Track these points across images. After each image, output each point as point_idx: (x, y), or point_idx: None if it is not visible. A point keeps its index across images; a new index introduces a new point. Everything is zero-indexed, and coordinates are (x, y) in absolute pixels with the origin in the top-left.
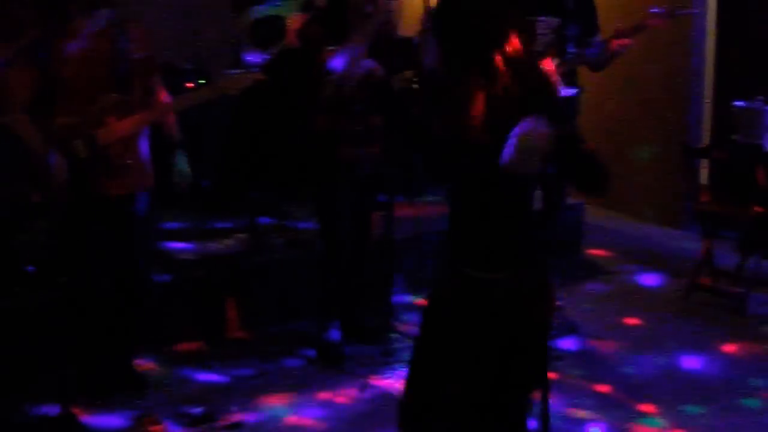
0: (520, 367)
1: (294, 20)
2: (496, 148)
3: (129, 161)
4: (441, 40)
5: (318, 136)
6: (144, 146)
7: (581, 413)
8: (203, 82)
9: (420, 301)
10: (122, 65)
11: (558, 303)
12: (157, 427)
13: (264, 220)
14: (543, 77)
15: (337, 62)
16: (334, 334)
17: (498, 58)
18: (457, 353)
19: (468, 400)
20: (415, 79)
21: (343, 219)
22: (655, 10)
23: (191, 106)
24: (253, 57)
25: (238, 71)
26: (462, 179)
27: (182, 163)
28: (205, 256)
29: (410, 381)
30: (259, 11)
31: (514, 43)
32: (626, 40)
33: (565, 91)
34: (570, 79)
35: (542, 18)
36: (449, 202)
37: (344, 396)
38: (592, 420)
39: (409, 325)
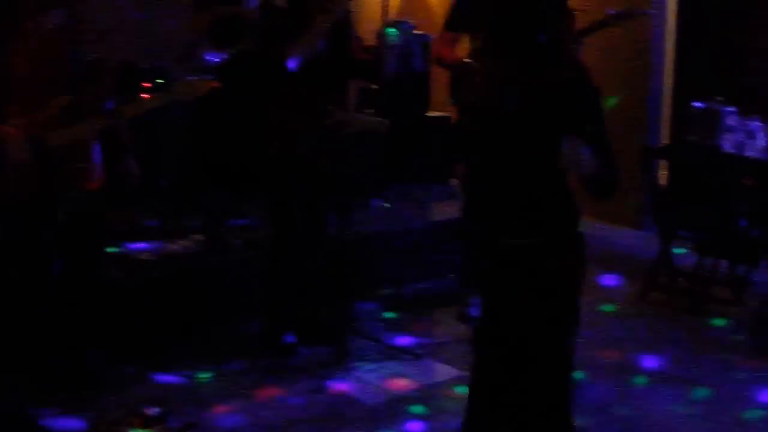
0: (560, 326)
1: (251, 19)
2: (533, 124)
3: (80, 163)
4: (491, 22)
5: (275, 135)
6: (95, 148)
7: None
8: (161, 81)
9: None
10: (75, 67)
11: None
12: (115, 428)
13: (223, 220)
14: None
15: (293, 61)
16: (289, 338)
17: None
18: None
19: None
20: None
21: (296, 219)
22: (612, 12)
23: (144, 111)
24: (212, 57)
25: (193, 77)
26: (498, 152)
27: (131, 165)
28: (164, 257)
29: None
30: None
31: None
32: None
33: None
34: None
35: None
36: (478, 177)
37: (300, 396)
38: None
39: (365, 325)
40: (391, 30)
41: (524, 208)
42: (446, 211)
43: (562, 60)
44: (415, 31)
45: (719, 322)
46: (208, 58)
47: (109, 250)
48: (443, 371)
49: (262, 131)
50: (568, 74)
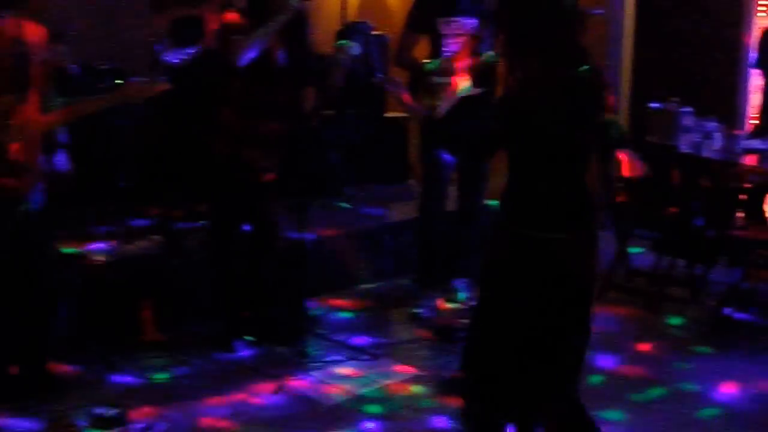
0: (576, 317)
1: (212, 20)
2: (557, 119)
3: (26, 162)
4: (513, 22)
5: (224, 133)
6: (39, 147)
7: None
8: (120, 82)
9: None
10: (22, 67)
11: (473, 303)
12: (72, 430)
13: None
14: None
15: (245, 59)
16: (243, 339)
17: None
18: (520, 307)
19: (530, 349)
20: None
21: (237, 221)
22: None
23: (92, 112)
24: (171, 57)
25: (144, 79)
26: (526, 147)
27: (63, 163)
28: (121, 258)
29: (476, 337)
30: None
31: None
32: None
33: (473, 90)
34: (486, 79)
35: (458, 18)
36: (509, 167)
37: (259, 397)
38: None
39: (323, 325)
40: (345, 42)
41: (556, 204)
42: (404, 210)
43: (582, 58)
44: (373, 32)
45: (676, 321)
46: (168, 58)
47: (65, 251)
48: (400, 371)
49: (212, 132)
50: (587, 71)
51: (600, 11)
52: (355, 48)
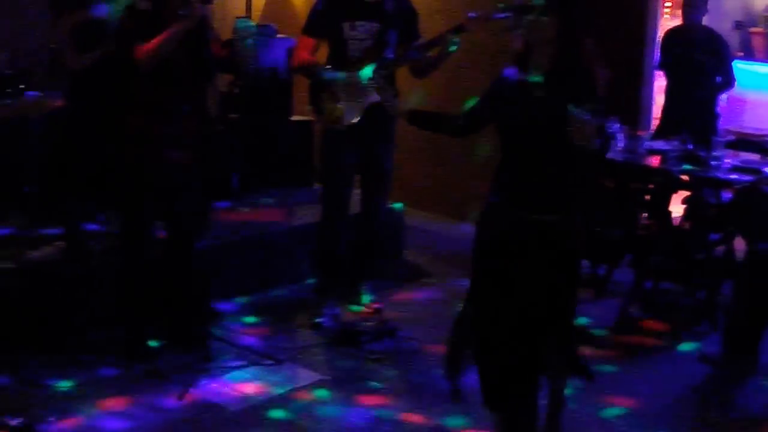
0: (566, 291)
1: (113, 24)
2: (555, 107)
3: None
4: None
5: (130, 139)
6: None
7: (405, 415)
8: (23, 87)
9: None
10: None
11: (377, 306)
12: None
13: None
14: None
15: (151, 65)
16: (150, 344)
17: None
18: (515, 283)
19: (525, 321)
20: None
21: (148, 226)
22: (473, 15)
23: None
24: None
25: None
26: (523, 133)
27: None
28: (25, 264)
29: (472, 309)
30: None
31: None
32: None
33: (372, 98)
34: (387, 84)
35: (362, 23)
36: (505, 153)
37: (163, 403)
38: (418, 423)
39: (227, 331)
40: (243, 22)
41: (552, 189)
42: (308, 214)
43: (579, 50)
44: (278, 35)
45: (581, 321)
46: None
47: None
48: (304, 376)
49: (118, 137)
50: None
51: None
52: (251, 28)
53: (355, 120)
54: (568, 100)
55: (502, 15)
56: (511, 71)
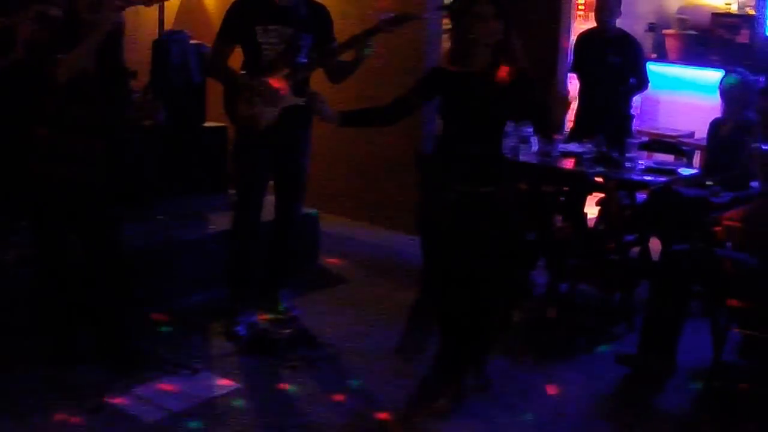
0: (507, 249)
1: (23, 31)
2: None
3: None
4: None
5: (35, 150)
6: None
7: (317, 424)
8: None
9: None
10: None
11: (293, 313)
12: None
13: None
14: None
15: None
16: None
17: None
18: (462, 245)
19: (473, 275)
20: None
21: (60, 236)
22: (385, 17)
23: None
24: None
25: None
26: (463, 117)
27: None
28: None
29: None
30: None
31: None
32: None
33: (294, 99)
34: (301, 89)
35: (274, 27)
36: (446, 132)
37: (78, 415)
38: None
39: (141, 341)
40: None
41: (485, 164)
42: (222, 222)
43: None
44: (192, 41)
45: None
46: None
47: None
48: (221, 385)
49: (23, 148)
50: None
51: (422, 15)
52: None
53: (270, 124)
54: (502, 91)
55: (418, 16)
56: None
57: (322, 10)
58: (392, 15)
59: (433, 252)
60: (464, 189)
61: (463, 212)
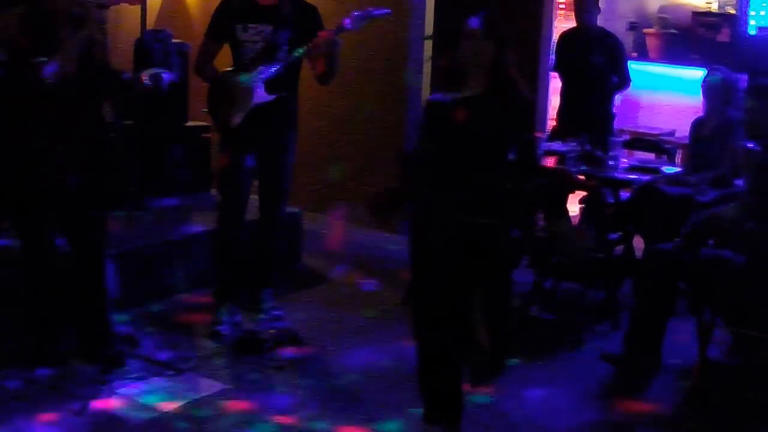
0: (499, 278)
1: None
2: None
3: None
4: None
5: (17, 153)
6: None
7: (310, 423)
8: None
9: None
10: None
11: (278, 312)
12: None
13: None
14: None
15: (48, 71)
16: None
17: None
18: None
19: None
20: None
21: (45, 238)
22: (355, 14)
23: None
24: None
25: None
26: (462, 145)
27: None
28: None
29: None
30: None
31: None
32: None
33: (265, 97)
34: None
35: (253, 26)
36: (446, 169)
37: (63, 416)
38: (322, 430)
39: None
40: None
41: (484, 196)
42: (204, 221)
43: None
44: (174, 40)
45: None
46: None
47: None
48: (207, 386)
49: (8, 150)
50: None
51: (386, 11)
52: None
53: (238, 121)
54: (502, 115)
55: (383, 12)
56: (437, 95)
57: (311, 9)
58: (358, 12)
59: (427, 282)
60: (457, 218)
61: (461, 245)
